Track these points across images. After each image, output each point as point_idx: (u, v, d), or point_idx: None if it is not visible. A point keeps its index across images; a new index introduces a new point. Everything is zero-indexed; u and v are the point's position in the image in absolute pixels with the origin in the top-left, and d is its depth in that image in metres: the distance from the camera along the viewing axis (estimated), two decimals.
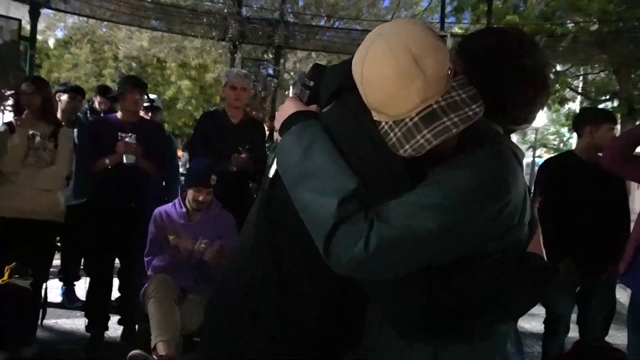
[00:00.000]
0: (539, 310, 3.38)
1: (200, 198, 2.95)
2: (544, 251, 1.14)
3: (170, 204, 3.09)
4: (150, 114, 4.14)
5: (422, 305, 0.97)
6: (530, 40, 1.16)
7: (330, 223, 0.94)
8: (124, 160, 3.20)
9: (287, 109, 1.14)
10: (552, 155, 6.24)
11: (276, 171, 1.12)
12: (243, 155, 3.26)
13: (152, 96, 4.42)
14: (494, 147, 1.02)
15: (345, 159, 1.01)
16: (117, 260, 3.49)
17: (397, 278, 0.98)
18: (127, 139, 3.22)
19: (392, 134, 0.98)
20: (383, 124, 1.00)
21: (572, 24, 7.90)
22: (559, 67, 9.06)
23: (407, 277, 0.97)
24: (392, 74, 0.93)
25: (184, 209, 3.01)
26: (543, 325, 3.18)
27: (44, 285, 3.05)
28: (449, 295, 0.99)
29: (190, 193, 2.98)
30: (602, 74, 9.63)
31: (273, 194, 1.15)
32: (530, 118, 1.14)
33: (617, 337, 3.45)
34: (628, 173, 2.56)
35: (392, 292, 0.99)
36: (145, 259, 2.99)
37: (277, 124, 1.15)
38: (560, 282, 2.94)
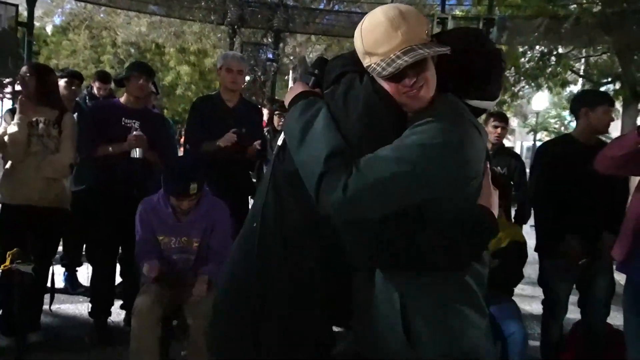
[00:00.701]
0: (539, 292, 3.39)
1: (183, 207, 2.70)
2: (496, 208, 1.33)
3: (155, 197, 2.84)
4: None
5: (377, 242, 1.24)
6: (486, 35, 1.47)
7: (317, 173, 1.19)
8: (132, 155, 3.18)
9: (296, 88, 1.39)
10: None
11: (283, 140, 1.37)
12: (234, 135, 3.20)
13: None
14: (455, 116, 1.27)
15: (339, 128, 1.26)
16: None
17: (358, 223, 1.23)
18: (135, 132, 3.19)
19: (379, 68, 1.26)
20: (373, 65, 1.27)
21: (575, 5, 7.81)
22: (560, 50, 8.99)
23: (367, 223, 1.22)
24: (384, 20, 1.25)
25: (170, 209, 2.77)
26: (542, 308, 3.20)
27: (51, 270, 3.05)
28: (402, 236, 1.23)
29: (172, 199, 2.73)
30: (605, 56, 9.55)
31: (280, 160, 1.38)
32: (494, 94, 1.42)
33: (618, 317, 3.47)
34: (626, 172, 2.55)
35: (356, 232, 1.26)
36: (137, 260, 2.82)
37: (287, 101, 1.38)
38: (560, 264, 2.94)
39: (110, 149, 3.20)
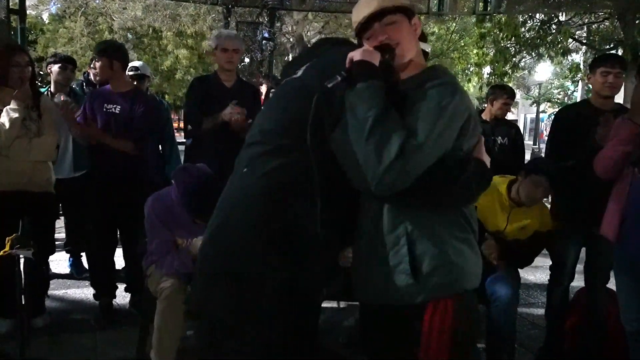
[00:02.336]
0: (543, 262, 3.40)
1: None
2: (486, 158, 1.51)
3: (167, 195, 2.63)
4: (136, 82, 4.03)
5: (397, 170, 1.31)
6: None
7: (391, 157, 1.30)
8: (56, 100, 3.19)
9: (365, 53, 1.42)
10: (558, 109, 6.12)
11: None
12: (237, 108, 3.11)
13: (137, 63, 4.31)
14: (454, 81, 1.45)
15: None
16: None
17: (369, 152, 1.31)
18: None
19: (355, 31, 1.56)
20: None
21: None
22: (561, 17, 8.84)
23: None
24: None
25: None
26: (546, 277, 3.20)
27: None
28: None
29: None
30: (607, 22, 9.39)
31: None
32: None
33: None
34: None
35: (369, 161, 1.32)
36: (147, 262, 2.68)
37: (356, 56, 1.40)
38: (567, 231, 2.94)
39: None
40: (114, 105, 3.24)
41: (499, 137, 3.86)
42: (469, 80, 11.21)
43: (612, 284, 3.05)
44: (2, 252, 2.24)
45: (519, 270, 2.92)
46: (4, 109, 2.92)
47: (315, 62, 1.54)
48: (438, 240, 1.42)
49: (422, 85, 1.40)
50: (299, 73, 1.52)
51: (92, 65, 3.29)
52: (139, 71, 4.15)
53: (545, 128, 25.90)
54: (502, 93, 3.95)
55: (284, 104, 1.52)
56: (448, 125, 1.36)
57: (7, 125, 2.88)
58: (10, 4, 5.89)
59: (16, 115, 2.89)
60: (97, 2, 15.59)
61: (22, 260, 2.46)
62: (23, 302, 2.54)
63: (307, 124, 1.36)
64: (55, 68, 3.87)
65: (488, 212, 2.78)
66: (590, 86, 3.04)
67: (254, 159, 1.46)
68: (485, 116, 3.97)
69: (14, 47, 3.21)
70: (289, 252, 1.38)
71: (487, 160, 1.51)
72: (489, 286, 2.68)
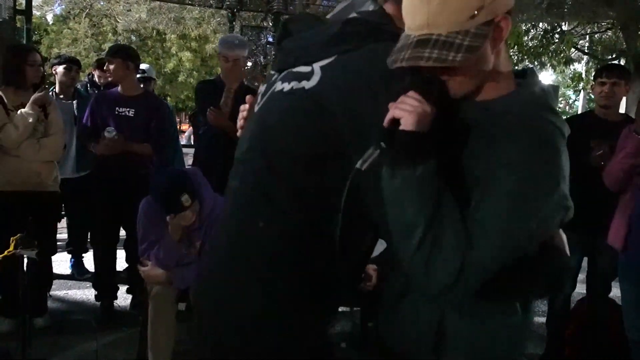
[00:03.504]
0: None
1: (183, 223, 2.47)
2: (567, 248, 1.19)
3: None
4: (142, 85, 4.06)
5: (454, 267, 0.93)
6: None
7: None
8: (107, 135, 3.20)
9: (414, 116, 0.92)
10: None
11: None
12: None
13: (144, 66, 4.33)
14: (554, 117, 0.99)
15: None
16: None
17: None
18: (106, 134, 3.17)
19: (400, 42, 0.96)
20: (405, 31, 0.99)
21: None
22: (564, 26, 8.87)
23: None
24: None
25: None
26: None
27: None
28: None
29: (168, 219, 2.51)
30: (609, 32, 9.42)
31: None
32: None
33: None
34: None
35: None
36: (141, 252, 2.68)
37: (405, 123, 0.92)
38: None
39: (93, 150, 3.26)
40: (127, 109, 3.26)
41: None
42: None
43: (613, 294, 3.07)
44: (6, 252, 2.25)
45: None
46: (19, 112, 2.94)
47: (337, 67, 1.04)
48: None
49: (498, 119, 0.96)
50: (314, 79, 1.05)
51: (104, 68, 3.30)
52: (145, 74, 4.17)
53: None
54: None
55: (292, 123, 1.08)
56: (531, 211, 0.92)
57: (20, 129, 2.90)
58: (16, 4, 5.93)
59: (30, 120, 2.92)
60: (102, 3, 15.65)
61: (25, 260, 2.47)
62: (25, 302, 2.54)
63: (322, 164, 1.03)
64: (60, 69, 3.89)
65: None
66: (592, 96, 3.09)
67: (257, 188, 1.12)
68: None
69: (28, 47, 3.26)
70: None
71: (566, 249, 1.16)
72: None
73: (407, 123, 0.91)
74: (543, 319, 3.35)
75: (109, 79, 3.41)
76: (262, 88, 1.22)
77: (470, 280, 0.92)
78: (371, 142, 0.93)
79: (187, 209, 2.42)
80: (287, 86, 1.09)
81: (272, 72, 1.20)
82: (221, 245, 1.19)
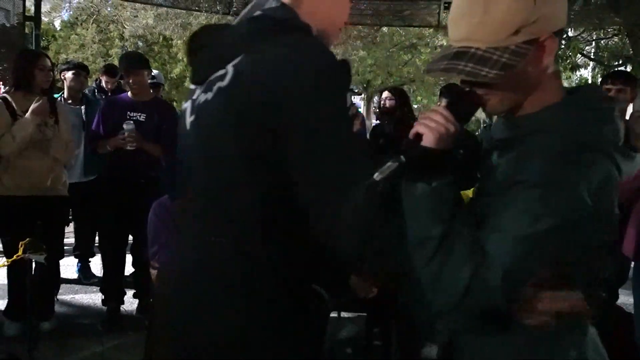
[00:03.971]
0: None
1: None
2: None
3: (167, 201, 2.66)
4: (152, 90, 4.10)
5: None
6: None
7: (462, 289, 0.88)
8: (127, 147, 3.22)
9: (434, 133, 0.91)
10: None
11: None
12: None
13: (154, 72, 4.38)
14: (601, 145, 0.92)
15: None
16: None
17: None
18: (125, 126, 3.20)
19: (442, 52, 0.98)
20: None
21: None
22: (570, 32, 8.86)
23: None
24: (461, 1, 0.94)
25: None
26: None
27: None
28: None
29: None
30: (616, 38, 9.41)
31: None
32: None
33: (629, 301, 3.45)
34: None
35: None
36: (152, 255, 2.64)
37: (426, 139, 0.92)
38: None
39: (107, 146, 3.25)
40: (139, 114, 3.29)
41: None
42: None
43: (620, 302, 3.05)
44: (15, 256, 2.27)
45: None
46: (17, 121, 2.95)
47: (249, 62, 1.01)
48: None
49: (526, 136, 0.95)
50: (227, 77, 1.02)
51: (124, 78, 3.33)
52: (155, 79, 4.21)
53: None
54: None
55: (225, 125, 1.02)
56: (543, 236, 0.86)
57: (17, 138, 2.91)
58: (25, 10, 5.98)
59: (29, 129, 2.92)
60: (109, 10, 15.78)
61: (33, 265, 2.48)
62: (32, 306, 2.56)
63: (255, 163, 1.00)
64: (68, 74, 3.93)
65: None
66: None
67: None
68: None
69: (39, 52, 3.29)
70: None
71: None
72: None
73: (428, 140, 0.91)
74: None
75: (131, 90, 3.41)
76: (185, 105, 1.18)
77: (475, 302, 0.88)
78: (390, 156, 0.91)
79: None
80: (210, 95, 1.06)
81: (192, 87, 1.17)
82: (181, 259, 1.16)
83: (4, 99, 3.01)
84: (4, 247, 3.06)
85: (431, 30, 11.92)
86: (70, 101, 3.93)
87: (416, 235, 0.92)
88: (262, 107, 0.96)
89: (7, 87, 3.20)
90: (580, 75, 11.62)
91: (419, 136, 0.93)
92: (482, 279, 0.87)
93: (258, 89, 0.96)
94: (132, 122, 3.23)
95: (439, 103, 1.17)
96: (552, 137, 0.91)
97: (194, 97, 1.13)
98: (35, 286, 2.54)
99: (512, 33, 0.89)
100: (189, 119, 1.13)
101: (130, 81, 3.31)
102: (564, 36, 8.78)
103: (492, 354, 1.00)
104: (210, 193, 1.07)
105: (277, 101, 0.94)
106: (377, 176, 0.90)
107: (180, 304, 1.10)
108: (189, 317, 1.07)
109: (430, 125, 0.92)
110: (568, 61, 8.73)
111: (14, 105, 2.98)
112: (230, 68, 1.02)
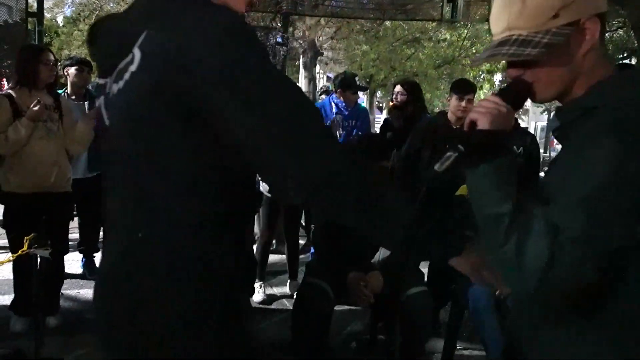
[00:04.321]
0: None
1: None
2: None
3: None
4: None
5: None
6: None
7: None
8: None
9: (491, 117, 0.96)
10: None
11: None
12: None
13: None
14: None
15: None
16: None
17: None
18: None
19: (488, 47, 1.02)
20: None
21: None
22: None
23: None
24: None
25: None
26: None
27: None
28: None
29: None
30: (620, 31, 9.35)
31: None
32: None
33: None
34: None
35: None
36: None
37: (481, 122, 0.96)
38: None
39: None
40: None
41: (514, 146, 3.77)
42: (481, 87, 11.21)
43: None
44: (20, 251, 2.28)
45: None
46: (14, 123, 2.93)
47: (156, 37, 0.92)
48: None
49: (582, 118, 0.96)
50: (136, 60, 0.94)
51: None
52: None
53: None
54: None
55: (141, 111, 0.95)
56: (619, 204, 0.84)
57: (10, 141, 2.90)
58: (28, 7, 5.99)
59: (23, 133, 2.91)
60: (112, 5, 15.76)
61: (39, 260, 2.49)
62: (38, 301, 2.57)
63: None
64: (72, 70, 3.93)
65: None
66: None
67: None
68: None
69: (42, 47, 3.29)
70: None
71: None
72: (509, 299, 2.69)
73: (482, 123, 0.96)
74: None
75: None
76: (99, 101, 1.11)
77: (563, 269, 0.84)
78: (449, 146, 0.96)
79: None
80: (121, 83, 0.97)
81: (101, 81, 1.09)
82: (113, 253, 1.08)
83: (9, 95, 3.01)
84: (9, 243, 3.08)
85: (434, 24, 11.87)
86: (73, 97, 3.93)
87: (486, 215, 0.92)
88: (179, 82, 0.89)
89: (10, 84, 3.18)
90: None
91: (473, 125, 0.97)
92: (562, 249, 0.84)
93: (171, 64, 0.89)
94: None
95: (448, 99, 1.23)
96: (606, 111, 0.91)
97: (107, 90, 1.04)
98: (40, 281, 2.55)
99: (551, 17, 0.93)
100: (105, 114, 1.06)
101: None
102: None
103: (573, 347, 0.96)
104: (135, 187, 0.99)
105: (195, 73, 0.87)
106: (438, 167, 0.93)
107: (111, 304, 1.04)
108: (119, 321, 1.03)
109: (482, 110, 0.97)
110: None
111: (18, 102, 2.98)
112: (136, 51, 0.94)
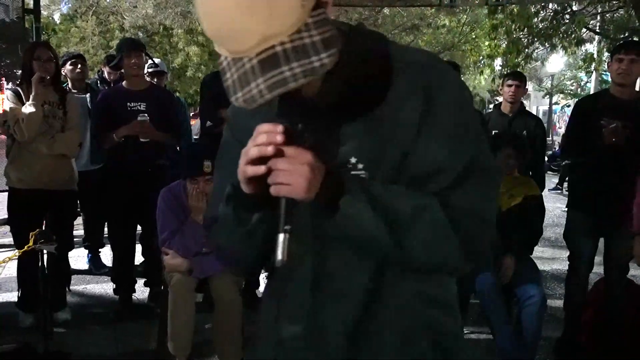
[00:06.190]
0: (560, 254, 3.38)
1: (199, 188, 2.55)
2: None
3: (176, 187, 2.72)
4: (155, 79, 4.09)
5: None
6: None
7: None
8: (141, 138, 3.23)
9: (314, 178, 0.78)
10: (571, 100, 6.04)
11: None
12: None
13: (156, 60, 4.36)
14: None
15: None
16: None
17: None
18: (139, 117, 3.20)
19: (229, 74, 0.76)
20: (222, 58, 0.78)
21: None
22: (575, 7, 8.72)
23: None
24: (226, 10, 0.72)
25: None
26: (563, 268, 3.18)
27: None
28: None
29: (188, 185, 2.60)
30: (621, 11, 9.26)
31: None
32: None
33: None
34: None
35: None
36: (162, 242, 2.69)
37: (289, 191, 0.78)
38: (585, 221, 2.93)
39: (114, 137, 3.24)
40: (139, 103, 3.29)
41: (517, 130, 3.76)
42: (481, 73, 11.13)
43: (630, 275, 3.04)
44: (26, 247, 2.28)
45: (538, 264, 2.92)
46: (26, 104, 2.97)
47: None
48: None
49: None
50: None
51: (124, 60, 3.32)
52: (158, 67, 4.19)
53: (558, 120, 25.62)
54: (506, 78, 3.88)
55: None
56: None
57: (25, 120, 2.92)
58: (25, 4, 5.97)
59: (32, 109, 2.92)
60: (108, 1, 15.71)
61: (45, 256, 2.50)
62: (46, 296, 2.58)
63: None
64: (67, 66, 3.93)
65: None
66: (607, 77, 3.05)
67: None
68: (504, 109, 3.88)
69: (39, 43, 3.29)
70: None
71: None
72: (517, 287, 2.70)
73: (296, 194, 0.77)
74: (560, 302, 3.34)
75: (129, 73, 3.38)
76: None
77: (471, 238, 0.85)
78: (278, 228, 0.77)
79: (208, 177, 2.49)
80: None
81: None
82: None
83: (16, 91, 3.03)
84: (14, 239, 3.09)
85: (433, 10, 11.78)
86: (75, 92, 3.93)
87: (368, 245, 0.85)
88: None
89: (9, 84, 3.20)
90: (586, 50, 11.47)
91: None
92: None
93: None
94: (146, 115, 3.23)
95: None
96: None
97: None
98: (47, 276, 2.56)
99: (300, 6, 0.73)
100: None
101: (133, 61, 3.26)
102: (568, 10, 8.66)
103: None
104: None
105: None
106: (280, 257, 0.75)
107: None
108: None
109: (288, 180, 0.76)
110: (573, 36, 8.60)
111: (24, 97, 3.00)
112: None
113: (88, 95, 3.92)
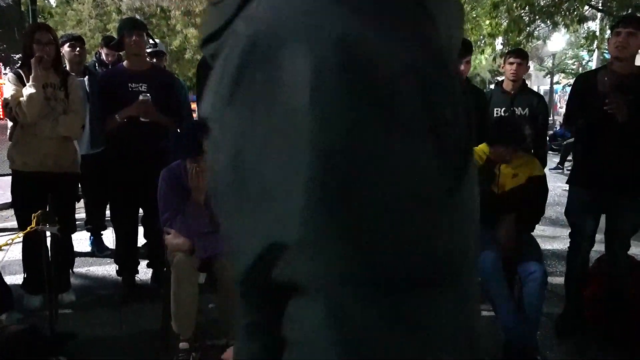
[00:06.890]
0: (561, 232, 3.38)
1: (200, 168, 2.54)
2: None
3: (176, 166, 2.72)
4: (155, 59, 4.06)
5: None
6: None
7: None
8: (141, 118, 3.21)
9: None
10: (572, 80, 5.97)
11: None
12: None
13: (156, 41, 4.32)
14: None
15: None
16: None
17: None
18: (141, 97, 3.18)
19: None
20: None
21: None
22: None
23: None
24: None
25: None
26: (564, 246, 3.19)
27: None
28: None
29: (188, 164, 2.59)
30: None
31: None
32: None
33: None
34: None
35: None
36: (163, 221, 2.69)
37: None
38: (586, 197, 2.93)
39: (117, 118, 3.21)
40: (140, 84, 3.26)
41: (519, 108, 3.70)
42: (482, 52, 11.03)
43: (631, 252, 3.05)
44: (28, 228, 2.29)
45: (540, 243, 2.92)
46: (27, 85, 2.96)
47: None
48: None
49: None
50: None
51: (126, 39, 3.28)
52: (157, 48, 4.15)
53: (559, 100, 25.48)
54: (508, 56, 3.78)
55: None
56: None
57: (25, 102, 2.91)
58: None
59: (32, 90, 2.91)
60: None
61: (48, 238, 2.51)
62: (50, 278, 2.60)
63: None
64: (65, 48, 3.88)
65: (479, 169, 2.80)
66: (609, 56, 3.03)
67: None
68: (506, 87, 3.84)
69: (39, 25, 3.26)
70: None
71: None
72: (518, 264, 2.71)
73: None
74: (561, 279, 3.35)
75: (130, 52, 3.35)
76: None
77: None
78: None
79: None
80: None
81: None
82: None
83: (17, 73, 3.03)
84: (17, 221, 3.09)
85: None
86: (73, 74, 3.89)
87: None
88: None
89: (7, 68, 3.19)
90: (588, 27, 11.36)
91: None
92: None
93: None
94: (148, 94, 3.21)
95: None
96: None
97: None
98: (50, 257, 2.57)
99: None
100: None
101: (134, 38, 3.22)
102: None
103: None
104: None
105: None
106: None
107: None
108: None
109: None
110: (575, 13, 8.51)
111: (25, 80, 2.99)
112: None
113: (86, 78, 3.88)
